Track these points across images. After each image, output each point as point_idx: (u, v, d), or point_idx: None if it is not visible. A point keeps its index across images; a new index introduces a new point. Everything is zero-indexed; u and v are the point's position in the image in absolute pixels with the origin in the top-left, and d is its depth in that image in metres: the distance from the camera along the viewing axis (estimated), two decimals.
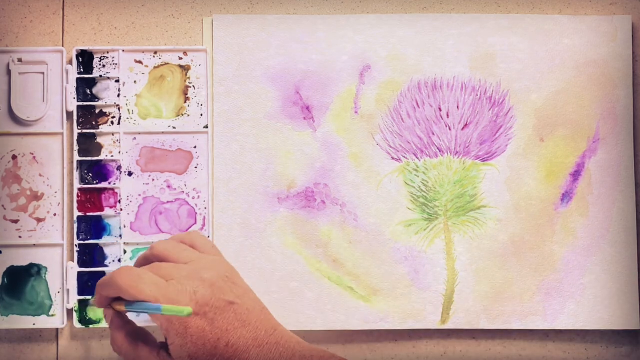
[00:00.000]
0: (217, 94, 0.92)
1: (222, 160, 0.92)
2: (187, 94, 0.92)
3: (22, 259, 0.90)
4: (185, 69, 0.92)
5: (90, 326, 0.90)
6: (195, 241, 0.77)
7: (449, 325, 0.92)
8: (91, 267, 0.90)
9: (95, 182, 0.91)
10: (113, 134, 0.91)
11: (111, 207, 0.91)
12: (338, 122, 0.92)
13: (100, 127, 0.91)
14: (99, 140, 0.91)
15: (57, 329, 0.91)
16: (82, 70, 0.92)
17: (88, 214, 0.90)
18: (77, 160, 0.90)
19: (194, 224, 0.91)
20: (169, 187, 0.91)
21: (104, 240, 0.90)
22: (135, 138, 0.91)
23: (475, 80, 0.93)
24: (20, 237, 0.90)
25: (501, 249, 0.92)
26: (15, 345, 0.91)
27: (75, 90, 0.91)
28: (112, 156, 0.91)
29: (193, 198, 0.91)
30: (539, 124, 0.93)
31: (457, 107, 0.92)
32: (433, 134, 0.92)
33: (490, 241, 0.92)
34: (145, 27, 0.93)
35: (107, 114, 0.92)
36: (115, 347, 0.74)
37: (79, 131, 0.91)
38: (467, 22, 0.93)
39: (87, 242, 0.90)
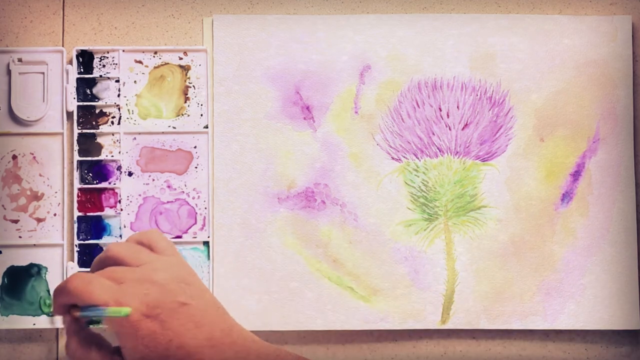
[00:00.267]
0: (217, 94, 0.92)
1: (222, 160, 0.92)
2: (187, 94, 0.92)
3: (22, 259, 0.90)
4: (185, 69, 0.92)
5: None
6: (152, 241, 0.76)
7: (449, 325, 0.92)
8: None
9: (95, 182, 0.91)
10: (113, 134, 0.91)
11: (111, 207, 0.91)
12: (338, 122, 0.92)
13: (100, 127, 0.91)
14: (99, 140, 0.91)
15: (57, 329, 0.91)
16: (82, 70, 0.92)
17: (88, 214, 0.90)
18: (77, 160, 0.90)
19: (194, 224, 0.91)
20: (169, 187, 0.91)
21: (104, 240, 0.90)
22: (135, 138, 0.91)
23: (475, 80, 0.93)
24: (20, 237, 0.90)
25: (501, 249, 0.92)
26: (15, 345, 0.91)
27: (75, 90, 0.91)
28: (112, 156, 0.91)
29: (193, 198, 0.91)
30: (539, 124, 0.93)
31: (457, 107, 0.92)
32: (433, 134, 0.92)
33: (490, 241, 0.92)
34: (145, 27, 0.93)
35: (107, 114, 0.92)
36: (69, 352, 0.74)
37: (79, 131, 0.91)
38: (467, 22, 0.93)
39: (87, 242, 0.90)
